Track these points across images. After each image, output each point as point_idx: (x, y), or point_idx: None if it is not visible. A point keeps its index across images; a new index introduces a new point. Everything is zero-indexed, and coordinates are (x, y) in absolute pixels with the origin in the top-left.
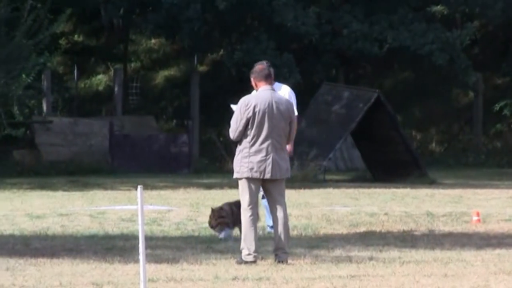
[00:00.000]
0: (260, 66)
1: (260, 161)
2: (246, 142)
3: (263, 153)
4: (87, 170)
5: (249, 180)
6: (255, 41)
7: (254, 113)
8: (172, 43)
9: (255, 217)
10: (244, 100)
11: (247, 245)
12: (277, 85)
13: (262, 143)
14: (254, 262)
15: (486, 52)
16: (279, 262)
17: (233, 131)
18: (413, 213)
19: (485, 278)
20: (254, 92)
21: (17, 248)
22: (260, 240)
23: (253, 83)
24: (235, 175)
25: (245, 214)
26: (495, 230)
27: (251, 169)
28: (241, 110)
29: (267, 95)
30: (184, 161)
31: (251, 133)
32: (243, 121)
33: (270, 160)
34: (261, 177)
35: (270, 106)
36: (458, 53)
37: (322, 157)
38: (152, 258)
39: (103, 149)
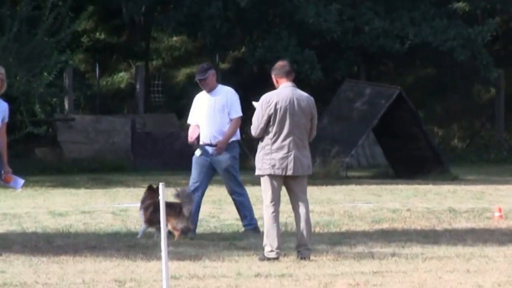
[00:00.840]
0: (281, 63)
1: (282, 158)
2: (268, 139)
3: (285, 150)
4: (110, 167)
5: (271, 177)
6: (277, 38)
7: (275, 110)
8: (193, 40)
9: (277, 214)
10: (265, 97)
11: (270, 242)
12: (220, 87)
13: (284, 140)
14: (277, 258)
15: (507, 48)
16: (301, 258)
17: (255, 128)
18: (435, 209)
19: (508, 273)
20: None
21: (40, 245)
22: (283, 236)
23: (274, 80)
24: (257, 172)
25: (268, 211)
26: None
27: (273, 166)
28: (262, 107)
29: (288, 91)
30: None
31: (273, 130)
32: (265, 118)
33: (292, 157)
34: (283, 174)
35: (291, 102)
36: (480, 49)
37: (344, 153)
38: (175, 255)
39: (125, 147)
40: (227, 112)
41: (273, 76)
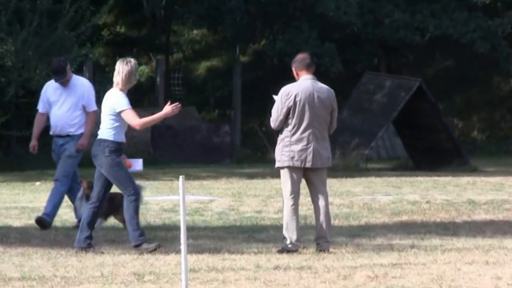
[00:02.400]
0: (302, 56)
1: (301, 150)
2: (287, 131)
3: (304, 142)
4: None
5: (291, 169)
6: (297, 30)
7: (295, 102)
8: (214, 33)
9: (297, 206)
10: (285, 89)
11: (289, 234)
12: (74, 77)
13: (303, 132)
14: (296, 251)
15: None
16: (320, 251)
17: (274, 120)
18: (455, 201)
19: None
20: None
21: (59, 239)
22: (302, 229)
23: (294, 73)
24: (277, 164)
25: (287, 204)
26: None
27: (292, 158)
28: (282, 99)
29: (308, 84)
30: (226, 151)
31: (292, 122)
32: (284, 110)
33: (311, 149)
34: (302, 166)
35: (311, 95)
36: (500, 41)
37: (364, 146)
38: (194, 248)
39: (145, 140)
40: (81, 104)
41: (293, 68)
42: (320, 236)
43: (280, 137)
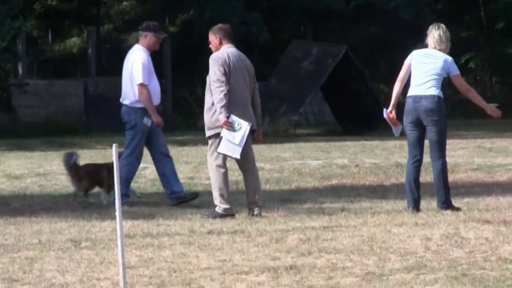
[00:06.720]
0: (224, 26)
1: None
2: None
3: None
4: (63, 130)
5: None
6: (224, 0)
7: (229, 67)
8: (143, 4)
9: (227, 172)
10: (216, 55)
11: (221, 200)
12: None
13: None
14: (228, 216)
15: (450, 6)
16: (253, 215)
17: (220, 84)
18: (383, 165)
19: (455, 226)
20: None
21: None
22: (234, 194)
23: (217, 41)
24: (208, 134)
25: (219, 170)
26: (464, 179)
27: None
28: (223, 64)
29: (235, 52)
30: None
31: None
32: (224, 70)
33: None
34: None
35: (240, 62)
36: (423, 8)
37: (292, 112)
38: (129, 214)
39: (78, 109)
40: None
41: (216, 37)
42: (252, 202)
43: (208, 105)
